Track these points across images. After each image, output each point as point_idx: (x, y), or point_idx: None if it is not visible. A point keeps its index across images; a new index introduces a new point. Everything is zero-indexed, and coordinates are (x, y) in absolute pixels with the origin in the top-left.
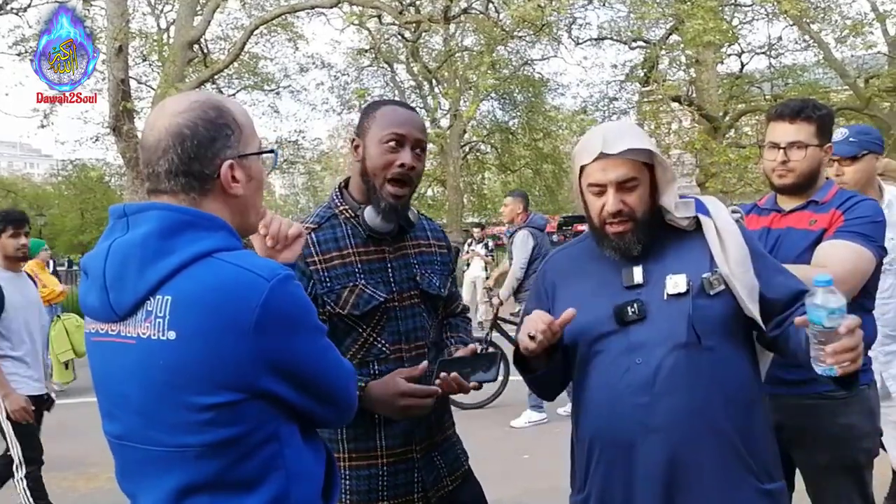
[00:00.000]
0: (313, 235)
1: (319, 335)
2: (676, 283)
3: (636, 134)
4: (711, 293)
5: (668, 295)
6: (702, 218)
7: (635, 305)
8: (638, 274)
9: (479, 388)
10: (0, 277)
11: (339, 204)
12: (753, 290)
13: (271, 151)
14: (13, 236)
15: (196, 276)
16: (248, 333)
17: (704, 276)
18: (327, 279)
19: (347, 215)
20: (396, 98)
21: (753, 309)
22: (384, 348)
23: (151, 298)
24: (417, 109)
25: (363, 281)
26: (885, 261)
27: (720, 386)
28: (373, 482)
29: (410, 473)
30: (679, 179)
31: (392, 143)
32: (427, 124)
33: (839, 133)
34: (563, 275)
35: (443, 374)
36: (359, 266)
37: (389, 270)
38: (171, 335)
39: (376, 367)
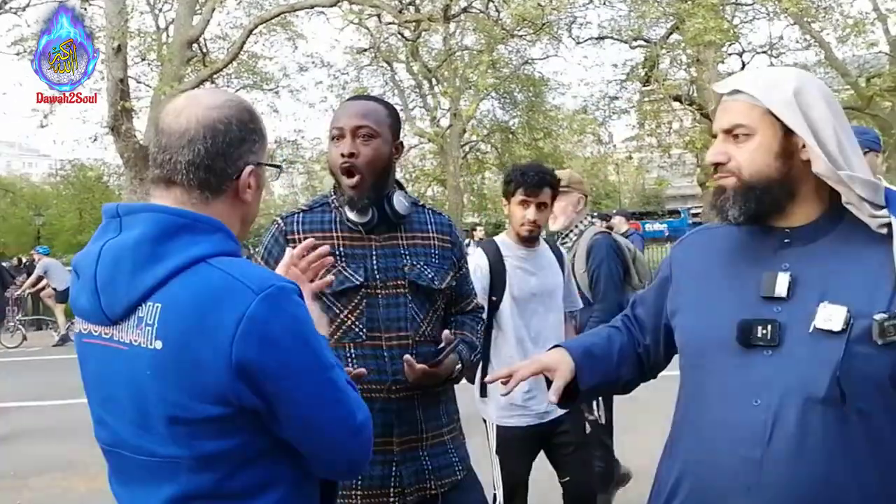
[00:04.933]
0: (301, 216)
1: (314, 360)
2: (831, 315)
3: (766, 76)
4: (881, 342)
5: (815, 328)
6: (895, 224)
7: (769, 327)
8: (782, 283)
9: (433, 373)
10: None
11: (331, 193)
12: None
13: (279, 167)
14: None
15: (186, 283)
16: (228, 346)
17: (878, 317)
18: None
19: (337, 205)
20: (396, 97)
21: None
22: (360, 332)
23: (143, 305)
24: (417, 109)
25: (342, 263)
26: None
27: (868, 466)
28: None
29: (388, 466)
30: (679, 179)
31: (334, 140)
32: (426, 123)
33: None
34: (694, 260)
35: (405, 357)
36: (340, 250)
37: (373, 258)
38: (158, 344)
39: (352, 349)
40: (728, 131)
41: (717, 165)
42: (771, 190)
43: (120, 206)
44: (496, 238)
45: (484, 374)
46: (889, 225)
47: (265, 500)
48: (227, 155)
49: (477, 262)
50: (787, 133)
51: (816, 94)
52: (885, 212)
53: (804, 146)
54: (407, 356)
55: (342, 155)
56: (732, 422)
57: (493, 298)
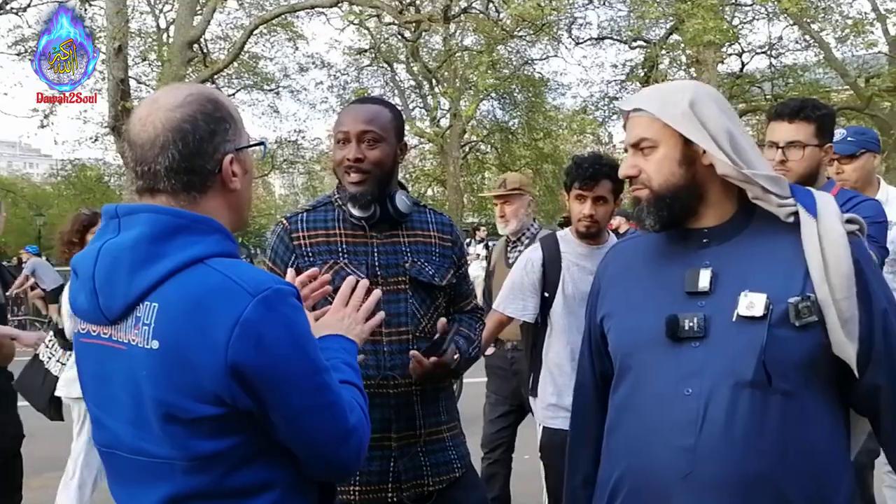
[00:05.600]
0: (304, 215)
1: (308, 364)
2: (752, 302)
3: (661, 92)
4: (798, 324)
5: (738, 315)
6: (802, 213)
7: (695, 319)
8: (705, 278)
9: (443, 363)
10: None
11: (335, 193)
12: (851, 323)
13: (261, 143)
14: None
15: (183, 283)
16: (223, 347)
17: (792, 300)
18: (309, 254)
19: (340, 203)
20: (396, 97)
21: (849, 348)
22: None
23: (141, 304)
24: (417, 109)
25: (345, 260)
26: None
27: (793, 443)
28: None
29: (385, 462)
30: None
31: (340, 142)
32: (426, 124)
33: (837, 133)
34: (620, 268)
35: (412, 353)
36: (343, 246)
37: (375, 255)
38: (155, 344)
39: None
40: (635, 145)
41: (630, 179)
42: (680, 196)
43: (119, 207)
44: (558, 233)
45: (536, 373)
46: (797, 213)
47: (262, 501)
48: (201, 152)
49: (530, 256)
50: (687, 142)
51: (710, 102)
52: (791, 200)
53: (705, 152)
54: (414, 352)
55: (348, 160)
56: (666, 414)
57: (546, 295)
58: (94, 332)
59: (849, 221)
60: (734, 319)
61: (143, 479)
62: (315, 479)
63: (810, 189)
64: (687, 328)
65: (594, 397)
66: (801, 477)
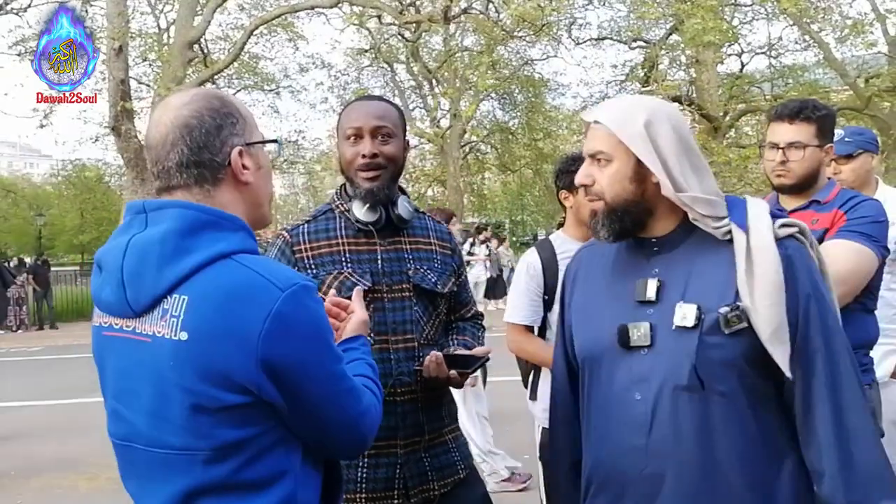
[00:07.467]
0: (306, 226)
1: (330, 356)
2: (685, 314)
3: (621, 108)
4: (728, 332)
5: (675, 325)
6: (734, 230)
7: (642, 329)
8: (651, 288)
9: (458, 380)
10: None
11: (335, 199)
12: (781, 329)
13: (275, 141)
14: None
15: (213, 277)
16: (255, 340)
17: (723, 310)
18: (313, 266)
19: (342, 209)
20: (396, 97)
21: (778, 352)
22: (369, 337)
23: (169, 297)
24: (417, 109)
25: (349, 269)
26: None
27: (736, 437)
28: (351, 472)
29: (392, 469)
30: None
31: (352, 139)
32: (427, 124)
33: (835, 134)
34: (581, 274)
35: (432, 353)
36: (347, 255)
37: (379, 262)
38: (183, 335)
39: None
40: (592, 156)
41: (585, 188)
42: (630, 210)
43: (147, 203)
44: (552, 236)
45: (536, 375)
46: (731, 231)
47: (275, 492)
48: (208, 145)
49: (529, 260)
50: (639, 160)
51: (664, 123)
52: (724, 221)
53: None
54: (439, 353)
55: (363, 156)
56: (622, 416)
57: (546, 298)
58: (117, 325)
59: (785, 225)
60: (673, 328)
61: (159, 472)
62: (319, 456)
63: (745, 200)
64: (635, 337)
65: (569, 388)
66: (744, 466)
